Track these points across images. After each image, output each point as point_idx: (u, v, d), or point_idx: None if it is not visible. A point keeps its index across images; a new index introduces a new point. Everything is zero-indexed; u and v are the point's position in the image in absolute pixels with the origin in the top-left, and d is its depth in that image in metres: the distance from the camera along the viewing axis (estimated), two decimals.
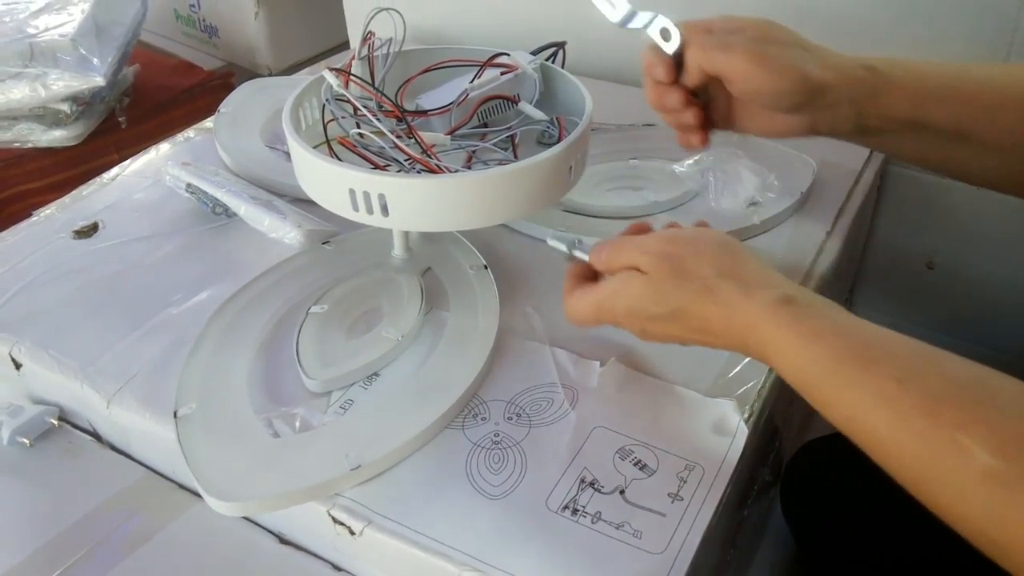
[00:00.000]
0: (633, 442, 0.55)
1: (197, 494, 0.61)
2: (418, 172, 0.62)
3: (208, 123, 0.94)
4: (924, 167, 0.60)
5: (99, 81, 1.14)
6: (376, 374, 0.60)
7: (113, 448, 0.64)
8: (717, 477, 0.53)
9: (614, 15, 0.61)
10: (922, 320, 1.01)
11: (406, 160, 0.62)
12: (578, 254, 0.57)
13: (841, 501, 0.75)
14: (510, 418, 0.57)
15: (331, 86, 0.66)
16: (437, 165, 0.62)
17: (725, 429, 0.56)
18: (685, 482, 0.53)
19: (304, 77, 0.90)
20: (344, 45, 1.33)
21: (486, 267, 0.68)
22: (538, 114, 0.72)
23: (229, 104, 0.91)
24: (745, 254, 0.51)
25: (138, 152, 1.28)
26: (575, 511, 0.51)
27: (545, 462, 0.54)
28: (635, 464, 0.54)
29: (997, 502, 0.37)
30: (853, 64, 0.56)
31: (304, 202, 0.73)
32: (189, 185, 0.76)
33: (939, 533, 0.41)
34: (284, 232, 0.71)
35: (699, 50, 0.56)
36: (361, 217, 0.59)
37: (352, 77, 0.67)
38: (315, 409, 0.57)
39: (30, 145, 1.18)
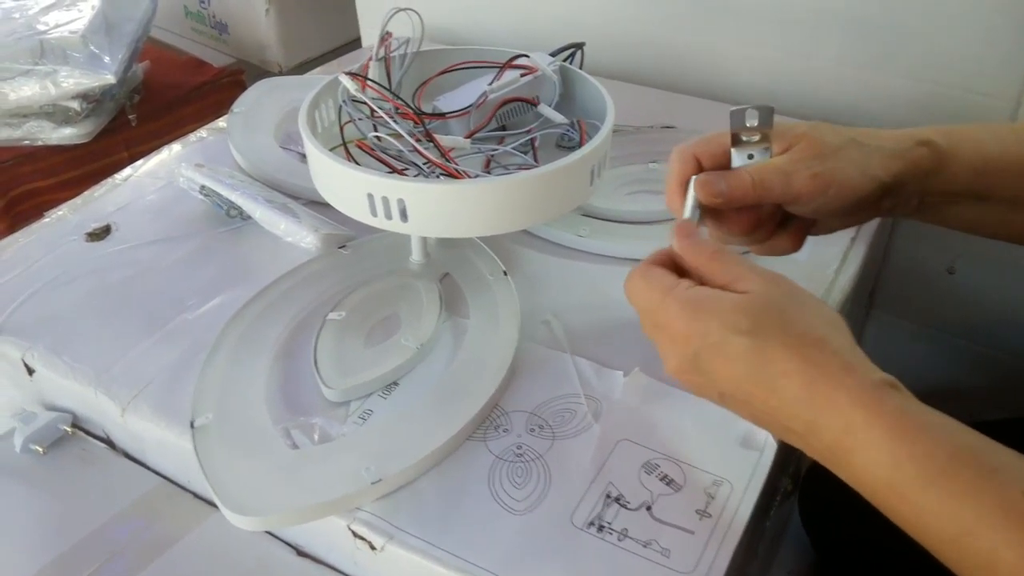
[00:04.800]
0: (659, 456, 0.54)
1: (213, 504, 0.60)
2: (437, 176, 0.61)
3: (221, 123, 0.93)
4: (978, 234, 0.59)
5: (109, 79, 1.13)
6: (395, 383, 0.59)
7: (127, 456, 0.63)
8: (746, 493, 0.52)
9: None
10: (942, 325, 1.00)
11: (424, 164, 0.61)
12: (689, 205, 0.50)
13: (860, 509, 0.74)
14: (532, 430, 0.56)
15: (347, 89, 0.65)
16: (457, 170, 0.61)
17: (752, 443, 0.55)
18: (713, 498, 0.51)
19: (318, 77, 0.89)
20: (356, 42, 1.32)
21: (505, 273, 0.67)
22: (558, 117, 0.71)
23: (242, 104, 0.90)
24: (848, 334, 0.43)
25: (148, 150, 1.27)
26: (601, 528, 0.50)
27: (569, 476, 0.53)
28: (661, 479, 0.53)
29: None
30: (910, 143, 0.53)
31: (320, 204, 0.72)
32: (203, 187, 0.75)
33: None
34: (300, 236, 0.70)
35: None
36: (380, 222, 0.59)
37: (369, 82, 0.65)
38: (334, 419, 0.56)
39: (40, 143, 1.17)
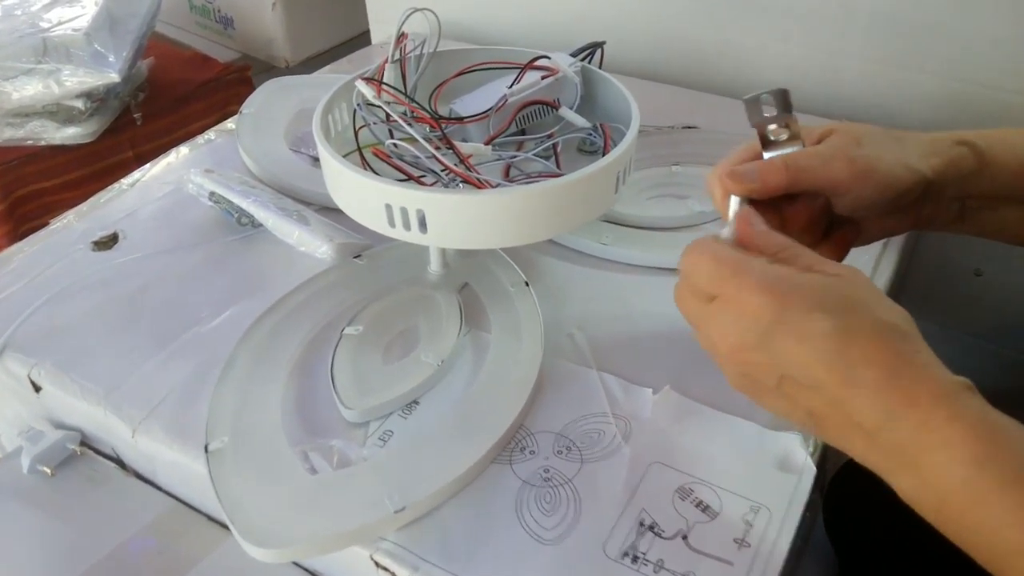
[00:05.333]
0: (693, 480, 0.52)
1: (228, 528, 0.58)
2: (457, 185, 0.59)
3: (229, 124, 0.90)
4: (1021, 242, 0.56)
5: (114, 77, 1.11)
6: (416, 402, 0.57)
7: (138, 476, 0.61)
8: (785, 521, 0.50)
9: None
10: (969, 328, 0.97)
11: (443, 171, 0.59)
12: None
13: (885, 518, 0.73)
14: (560, 452, 0.54)
15: (372, 94, 0.62)
16: (478, 179, 0.58)
17: (790, 466, 0.53)
18: (751, 526, 0.49)
19: (328, 76, 0.87)
20: (363, 35, 1.29)
21: (527, 284, 0.65)
22: (581, 121, 0.69)
23: (251, 105, 0.87)
24: (915, 330, 0.40)
25: (154, 148, 1.25)
26: (635, 559, 0.48)
27: (600, 502, 0.51)
28: (697, 505, 0.51)
29: None
30: (949, 143, 0.51)
31: (333, 211, 0.70)
32: (213, 194, 0.73)
33: None
34: (315, 246, 0.67)
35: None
36: (398, 233, 0.56)
37: (384, 86, 0.63)
38: (353, 441, 0.54)
39: (43, 143, 1.15)
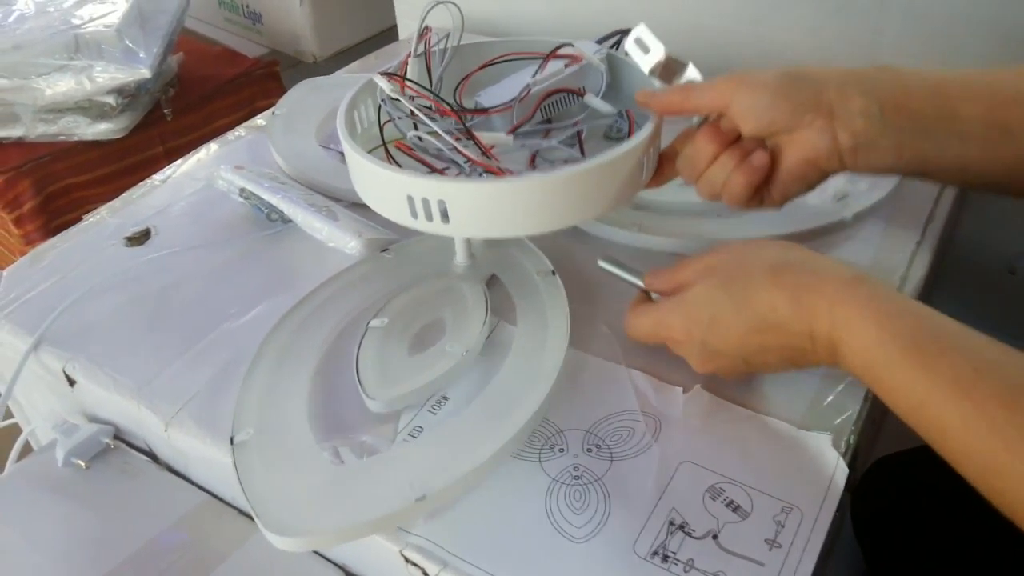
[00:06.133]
0: (724, 480, 0.52)
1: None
2: (480, 175, 0.59)
3: (258, 120, 0.91)
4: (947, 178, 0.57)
5: (145, 73, 1.11)
6: (445, 397, 0.57)
7: (171, 470, 0.62)
8: (817, 522, 0.49)
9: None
10: (1003, 327, 0.96)
11: (466, 163, 0.59)
12: (630, 278, 0.58)
13: (914, 520, 0.72)
14: (589, 450, 0.54)
15: (395, 90, 0.62)
16: (499, 167, 0.58)
17: (823, 467, 0.52)
18: (783, 527, 0.49)
19: (358, 76, 0.87)
20: (391, 30, 1.29)
21: (554, 273, 0.64)
22: (606, 107, 0.67)
23: (283, 106, 0.87)
24: (806, 249, 0.51)
25: (184, 144, 1.26)
26: (665, 558, 0.47)
27: (630, 501, 0.51)
28: (727, 505, 0.50)
29: None
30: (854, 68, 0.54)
31: (361, 206, 0.70)
32: (243, 190, 0.73)
33: (1016, 551, 0.41)
34: (344, 241, 0.68)
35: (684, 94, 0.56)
36: (420, 225, 0.56)
37: (407, 82, 0.63)
38: (380, 435, 0.54)
39: (76, 138, 1.16)
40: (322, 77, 0.94)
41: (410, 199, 0.55)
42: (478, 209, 0.54)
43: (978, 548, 0.65)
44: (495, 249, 0.67)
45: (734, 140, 0.56)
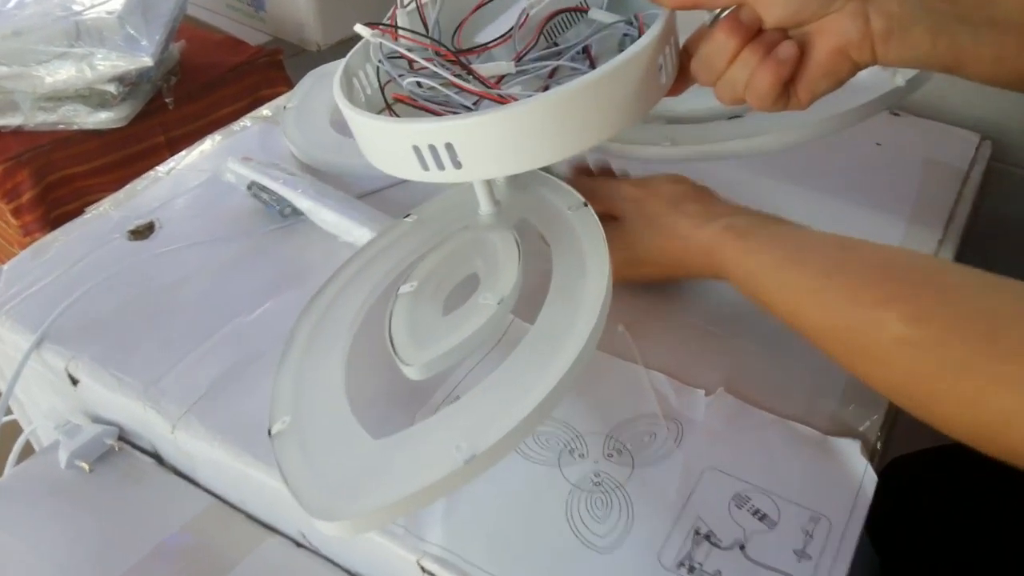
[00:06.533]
0: (749, 487, 0.50)
1: (269, 527, 0.57)
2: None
3: (264, 111, 0.89)
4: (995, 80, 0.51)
5: (147, 61, 1.09)
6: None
7: (176, 472, 0.60)
8: (846, 532, 0.48)
9: None
10: None
11: (473, 102, 0.54)
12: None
13: (930, 521, 0.71)
14: (610, 455, 0.52)
15: (379, 44, 0.58)
16: (501, 95, 0.53)
17: (850, 474, 0.51)
18: (811, 537, 0.47)
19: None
20: None
21: (586, 204, 0.59)
22: (609, 16, 0.62)
23: (294, 97, 0.85)
24: (694, 191, 0.59)
25: (185, 133, 1.24)
26: (692, 569, 0.46)
27: (653, 509, 0.49)
28: (754, 514, 0.49)
29: (913, 363, 0.44)
30: None
31: (379, 193, 0.69)
32: (252, 183, 0.71)
33: None
34: (359, 236, 0.66)
35: None
36: (433, 175, 0.51)
37: (395, 29, 0.59)
38: (416, 404, 0.53)
39: (76, 127, 1.14)
40: (330, 64, 0.92)
41: (416, 149, 0.50)
42: (488, 145, 0.50)
43: (995, 550, 0.64)
44: (520, 192, 0.63)
45: (755, 34, 0.50)
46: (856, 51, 0.48)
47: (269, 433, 0.49)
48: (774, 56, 0.49)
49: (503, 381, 0.47)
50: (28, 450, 0.66)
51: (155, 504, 0.57)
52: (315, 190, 0.70)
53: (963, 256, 0.89)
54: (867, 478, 0.50)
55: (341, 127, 0.79)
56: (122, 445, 0.61)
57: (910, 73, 0.62)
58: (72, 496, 0.58)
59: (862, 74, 0.57)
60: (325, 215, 0.68)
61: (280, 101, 0.90)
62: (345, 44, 1.50)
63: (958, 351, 0.42)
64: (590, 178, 0.66)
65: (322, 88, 0.86)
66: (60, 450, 0.59)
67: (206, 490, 0.59)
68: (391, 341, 0.52)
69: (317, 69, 0.90)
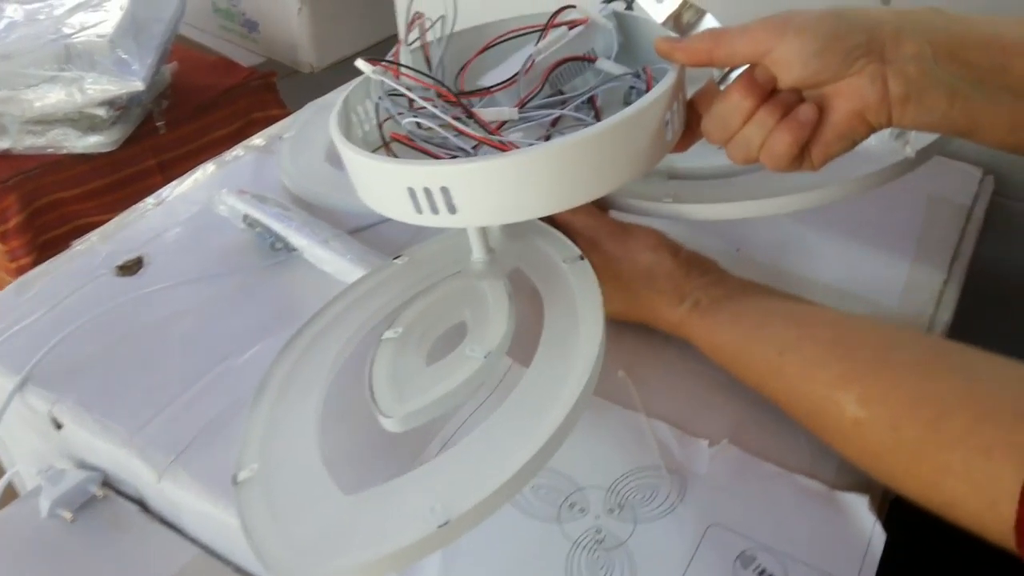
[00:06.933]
0: (755, 546, 0.49)
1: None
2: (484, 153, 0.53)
3: (257, 140, 0.87)
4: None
5: (138, 85, 1.08)
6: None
7: (162, 521, 0.58)
8: None
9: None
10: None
11: (472, 147, 0.53)
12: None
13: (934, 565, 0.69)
14: (612, 510, 0.51)
15: (380, 82, 0.57)
16: (502, 143, 0.51)
17: (859, 531, 0.49)
18: None
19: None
20: (391, 39, 1.26)
21: (582, 258, 0.58)
22: (617, 68, 0.60)
23: (291, 128, 0.83)
24: (671, 262, 0.59)
25: (177, 157, 1.23)
26: None
27: (657, 569, 0.47)
28: (760, 574, 0.47)
29: (871, 443, 0.46)
30: (903, 8, 0.49)
31: (374, 233, 0.67)
32: (247, 216, 0.70)
33: None
34: (354, 276, 0.64)
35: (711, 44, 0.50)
36: (427, 219, 0.50)
37: (400, 68, 0.58)
38: (392, 460, 0.51)
39: (65, 151, 1.12)
40: (331, 94, 0.90)
41: (411, 191, 0.49)
42: (485, 192, 0.48)
43: None
44: (515, 240, 0.61)
45: (770, 93, 0.49)
46: (873, 114, 0.48)
47: (234, 480, 0.47)
48: (793, 118, 0.49)
49: (485, 441, 0.46)
50: (10, 492, 0.64)
51: (139, 555, 0.56)
52: (309, 227, 0.68)
53: (967, 293, 0.88)
54: (875, 535, 0.49)
55: (337, 161, 0.78)
56: (106, 492, 0.59)
57: (920, 144, 0.61)
58: (54, 547, 0.56)
59: (874, 142, 0.57)
60: (321, 253, 0.66)
61: (274, 129, 0.88)
62: (339, 66, 1.49)
63: (910, 435, 0.44)
64: (571, 212, 0.63)
65: (321, 120, 0.84)
66: (42, 497, 0.57)
67: (193, 540, 0.57)
68: (371, 390, 0.50)
69: (318, 100, 0.88)
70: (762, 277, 0.60)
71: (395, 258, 0.62)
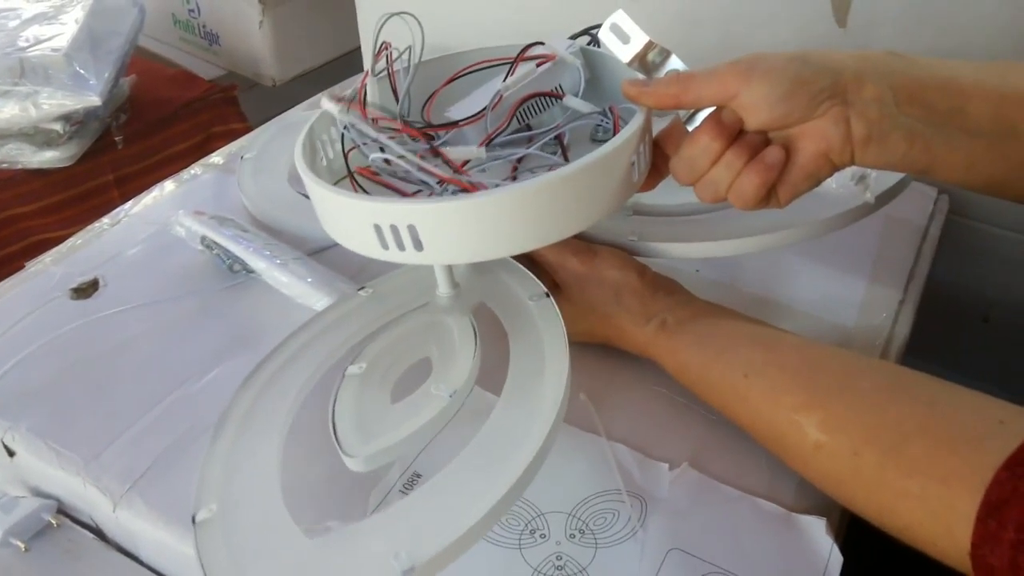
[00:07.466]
0: (715, 570, 0.49)
1: None
2: (452, 194, 0.54)
3: (215, 158, 0.86)
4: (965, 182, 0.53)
5: (95, 100, 1.06)
6: (417, 474, 0.54)
7: (119, 549, 0.57)
8: None
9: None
10: (977, 374, 0.95)
11: (437, 183, 0.53)
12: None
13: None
14: (572, 536, 0.51)
15: (343, 112, 0.57)
16: (470, 182, 0.52)
17: (816, 554, 0.50)
18: None
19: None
20: (354, 52, 1.26)
21: (548, 295, 0.58)
22: (585, 106, 0.61)
23: (252, 148, 0.82)
24: (637, 281, 0.60)
25: (135, 172, 1.21)
26: None
27: None
28: None
29: (832, 469, 0.47)
30: (865, 52, 0.51)
31: (335, 255, 0.67)
32: (204, 238, 0.69)
33: None
34: (314, 300, 0.64)
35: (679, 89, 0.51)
36: (392, 255, 0.50)
37: (361, 104, 0.58)
38: (356, 501, 0.50)
39: (20, 167, 1.10)
40: (293, 111, 0.90)
41: (377, 228, 0.49)
42: (452, 231, 0.49)
43: None
44: (481, 275, 0.61)
45: (736, 135, 0.51)
46: (837, 155, 0.49)
47: (193, 520, 0.46)
48: (761, 161, 0.50)
49: (450, 484, 0.46)
50: None
51: None
52: (269, 249, 0.68)
53: (923, 312, 0.90)
54: (833, 558, 0.50)
55: (299, 183, 0.77)
56: (61, 520, 0.58)
57: (880, 189, 0.63)
58: None
59: (835, 186, 0.61)
60: (280, 276, 0.66)
61: (233, 147, 0.88)
62: (301, 79, 1.48)
63: (870, 462, 0.45)
64: None
65: (283, 139, 0.84)
66: None
67: (150, 568, 0.56)
68: (334, 428, 0.50)
69: (280, 118, 0.88)
70: (720, 296, 0.61)
71: (359, 289, 0.62)
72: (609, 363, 0.62)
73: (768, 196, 0.51)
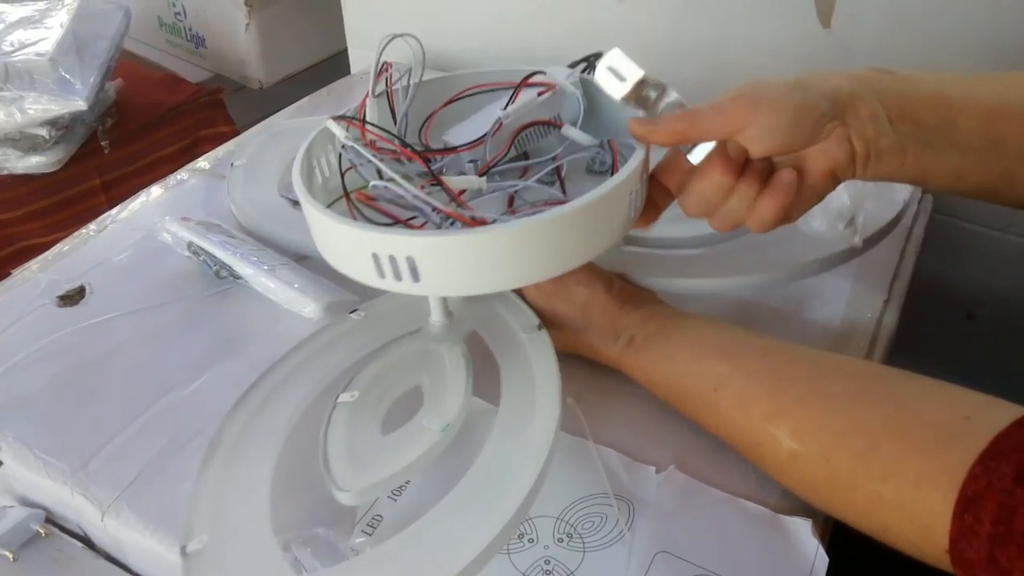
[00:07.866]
0: (702, 572, 0.49)
1: None
2: (451, 225, 0.54)
3: (201, 163, 0.86)
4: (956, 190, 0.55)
5: (81, 105, 1.06)
6: (407, 481, 0.54)
7: (108, 558, 0.57)
8: None
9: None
10: (962, 371, 0.96)
11: (434, 211, 0.54)
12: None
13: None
14: (560, 540, 0.51)
15: (343, 134, 0.57)
16: (471, 216, 0.53)
17: (802, 555, 0.50)
18: None
19: (321, 119, 0.82)
20: (340, 55, 1.25)
21: (540, 327, 0.59)
22: (585, 139, 0.62)
23: (241, 156, 0.82)
24: (604, 297, 0.59)
25: (122, 177, 1.21)
26: None
27: None
28: None
29: (806, 475, 0.48)
30: (856, 71, 0.52)
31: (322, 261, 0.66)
32: (191, 244, 0.69)
33: None
34: (302, 305, 0.64)
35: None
36: (388, 284, 0.50)
37: (366, 125, 0.58)
38: (339, 530, 0.50)
39: (5, 172, 1.10)
40: (283, 117, 0.89)
41: (375, 257, 0.49)
42: (451, 265, 0.49)
43: None
44: (474, 305, 0.62)
45: (744, 164, 0.52)
46: (843, 171, 0.51)
47: (183, 551, 0.46)
48: (777, 185, 0.51)
49: (436, 527, 0.46)
50: None
51: None
52: (256, 255, 0.68)
53: (907, 311, 0.91)
54: (819, 559, 0.50)
55: (290, 190, 0.77)
56: (49, 529, 0.58)
57: (868, 232, 0.65)
58: None
59: (824, 229, 0.63)
60: (267, 283, 0.66)
61: (220, 152, 0.88)
62: (288, 82, 1.48)
63: (842, 467, 0.46)
64: None
65: (272, 146, 0.83)
66: None
67: None
68: (325, 460, 0.50)
69: (268, 122, 0.87)
70: (705, 299, 0.62)
71: (352, 312, 0.62)
72: (595, 367, 0.62)
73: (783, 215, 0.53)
